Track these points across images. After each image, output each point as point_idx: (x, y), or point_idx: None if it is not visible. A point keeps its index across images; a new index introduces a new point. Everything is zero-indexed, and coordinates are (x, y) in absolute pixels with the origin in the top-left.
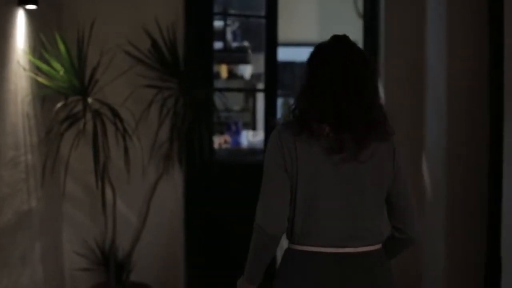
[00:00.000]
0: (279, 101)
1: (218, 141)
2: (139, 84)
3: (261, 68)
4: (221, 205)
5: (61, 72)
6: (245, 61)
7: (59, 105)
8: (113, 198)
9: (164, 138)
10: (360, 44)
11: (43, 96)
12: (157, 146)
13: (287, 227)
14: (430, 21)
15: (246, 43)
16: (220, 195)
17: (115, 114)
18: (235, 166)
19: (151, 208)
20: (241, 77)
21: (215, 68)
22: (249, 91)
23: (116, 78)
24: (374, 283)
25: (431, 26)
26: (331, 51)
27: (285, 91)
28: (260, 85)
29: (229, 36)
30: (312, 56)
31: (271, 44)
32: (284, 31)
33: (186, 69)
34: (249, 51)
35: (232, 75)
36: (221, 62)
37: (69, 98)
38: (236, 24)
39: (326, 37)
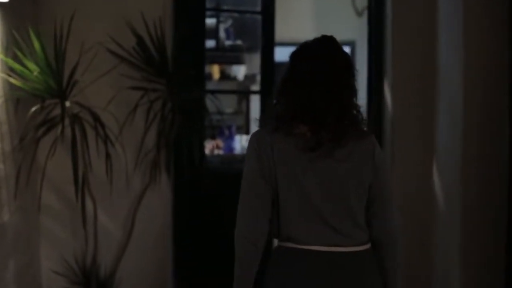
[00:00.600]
0: None
1: (210, 146)
2: (123, 85)
3: (255, 69)
4: (213, 217)
5: (36, 73)
6: (239, 61)
7: (34, 108)
8: (94, 210)
9: (151, 144)
10: (362, 43)
11: (16, 99)
12: (142, 153)
13: (273, 228)
14: (442, 16)
15: (240, 42)
16: (212, 206)
17: (96, 118)
18: (228, 174)
19: (136, 221)
20: (234, 78)
21: (207, 68)
22: (244, 93)
23: (98, 79)
24: (363, 284)
25: (443, 22)
26: (313, 49)
27: None
28: (254, 87)
29: (222, 34)
30: (294, 52)
31: (267, 42)
32: (279, 31)
33: (175, 69)
34: (243, 50)
35: (224, 76)
36: (213, 62)
37: (46, 101)
38: (230, 21)
39: None
